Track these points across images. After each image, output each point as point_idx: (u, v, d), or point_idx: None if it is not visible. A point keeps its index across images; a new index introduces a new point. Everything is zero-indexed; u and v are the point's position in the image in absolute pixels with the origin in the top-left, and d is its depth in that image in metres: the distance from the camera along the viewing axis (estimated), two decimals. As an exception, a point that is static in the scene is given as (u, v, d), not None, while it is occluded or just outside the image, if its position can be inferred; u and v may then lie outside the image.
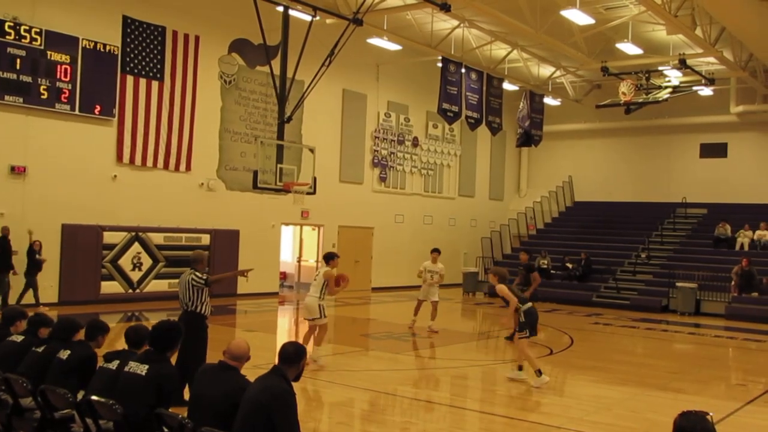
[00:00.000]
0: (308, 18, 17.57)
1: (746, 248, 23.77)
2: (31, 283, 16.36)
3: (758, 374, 13.22)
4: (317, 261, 23.93)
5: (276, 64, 17.54)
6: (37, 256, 16.43)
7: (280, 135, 17.55)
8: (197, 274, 8.70)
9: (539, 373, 10.07)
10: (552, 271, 24.78)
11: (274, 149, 17.65)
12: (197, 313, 8.65)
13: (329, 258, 11.34)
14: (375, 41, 21.66)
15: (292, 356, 5.08)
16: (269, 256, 21.92)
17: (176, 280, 19.66)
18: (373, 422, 8.53)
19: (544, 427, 8.41)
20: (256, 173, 16.80)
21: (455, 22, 21.40)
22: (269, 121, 21.34)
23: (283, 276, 24.19)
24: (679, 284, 21.84)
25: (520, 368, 10.55)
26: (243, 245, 20.64)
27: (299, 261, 24.61)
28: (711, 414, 3.68)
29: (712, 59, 22.70)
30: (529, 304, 10.49)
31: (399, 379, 11.04)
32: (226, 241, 20.49)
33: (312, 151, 18.19)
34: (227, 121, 20.80)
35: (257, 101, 21.57)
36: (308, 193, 17.70)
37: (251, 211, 21.13)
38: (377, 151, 25.55)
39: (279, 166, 17.10)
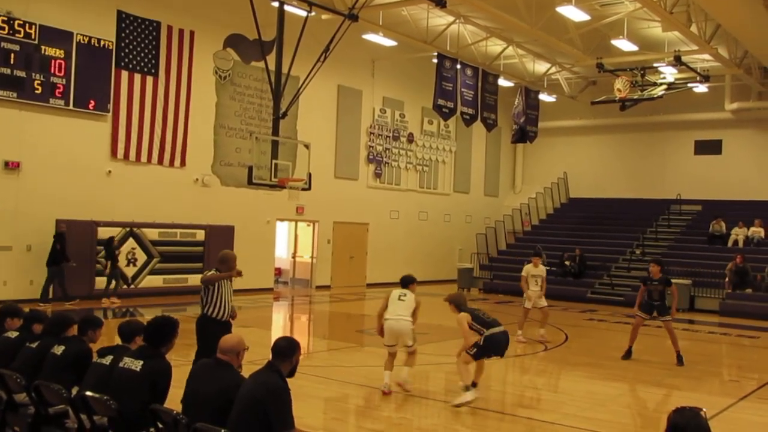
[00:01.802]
0: (303, 13, 17.57)
1: (740, 245, 23.83)
2: (113, 275, 17.67)
3: (752, 370, 13.26)
4: (312, 257, 23.94)
5: (271, 59, 17.53)
6: (116, 252, 17.80)
7: (275, 131, 17.54)
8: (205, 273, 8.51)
9: (467, 388, 8.85)
10: (547, 268, 24.76)
11: (269, 145, 17.63)
12: (207, 315, 8.32)
13: (412, 281, 10.04)
14: (370, 37, 21.66)
15: (285, 351, 5.07)
16: (264, 252, 21.91)
17: (171, 276, 19.71)
18: (368, 418, 8.54)
19: (538, 423, 8.43)
20: (251, 169, 16.79)
21: (451, 18, 21.39)
22: (264, 116, 21.30)
23: (278, 272, 24.18)
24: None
25: (474, 384, 9.10)
26: (238, 241, 20.59)
27: (294, 257, 24.61)
28: (704, 410, 3.69)
29: (707, 56, 22.73)
30: (497, 329, 9.12)
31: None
32: (221, 237, 20.43)
33: (307, 147, 18.17)
34: (222, 116, 20.77)
35: (252, 97, 21.53)
36: (303, 189, 17.71)
37: (246, 207, 21.11)
38: (372, 147, 25.54)
39: (274, 161, 17.09)
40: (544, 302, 15.05)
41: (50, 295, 16.71)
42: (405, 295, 9.72)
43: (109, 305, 17.31)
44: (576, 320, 18.64)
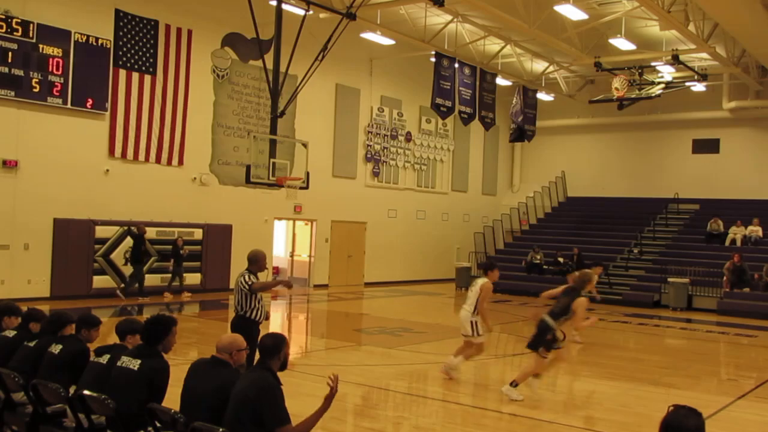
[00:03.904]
0: (301, 12, 17.56)
1: (738, 244, 23.85)
2: (177, 272, 19.16)
3: (749, 369, 13.28)
4: (310, 255, 23.95)
5: (269, 58, 17.53)
6: (181, 251, 19.08)
7: (273, 129, 17.55)
8: (246, 278, 8.51)
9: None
10: (544, 267, 24.83)
11: (267, 144, 17.65)
12: (247, 317, 8.44)
13: (488, 267, 10.20)
14: (368, 36, 21.66)
15: (271, 348, 5.09)
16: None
17: (169, 275, 19.67)
18: (366, 417, 8.54)
19: (536, 422, 8.43)
20: (248, 168, 16.79)
21: (449, 17, 21.38)
22: (262, 115, 21.29)
23: (276, 271, 24.15)
24: (671, 279, 21.91)
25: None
26: (236, 240, 20.61)
27: (292, 256, 24.60)
28: (700, 411, 3.69)
29: (704, 55, 22.75)
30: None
31: (392, 374, 11.06)
32: (219, 236, 20.45)
33: (305, 145, 18.17)
34: (220, 115, 20.75)
35: (250, 95, 21.51)
36: (301, 188, 17.71)
37: (244, 206, 21.09)
38: (370, 145, 25.53)
39: (272, 160, 17.10)
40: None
41: (143, 288, 18.28)
42: (475, 284, 10.11)
43: (171, 300, 18.76)
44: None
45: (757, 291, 21.14)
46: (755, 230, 24.06)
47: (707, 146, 28.64)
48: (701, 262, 22.73)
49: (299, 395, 8.96)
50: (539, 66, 26.67)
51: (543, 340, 9.14)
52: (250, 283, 8.45)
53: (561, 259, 24.51)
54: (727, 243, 24.21)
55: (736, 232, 24.28)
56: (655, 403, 9.40)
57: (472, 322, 10.04)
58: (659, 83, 24.19)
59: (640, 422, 8.63)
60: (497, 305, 21.58)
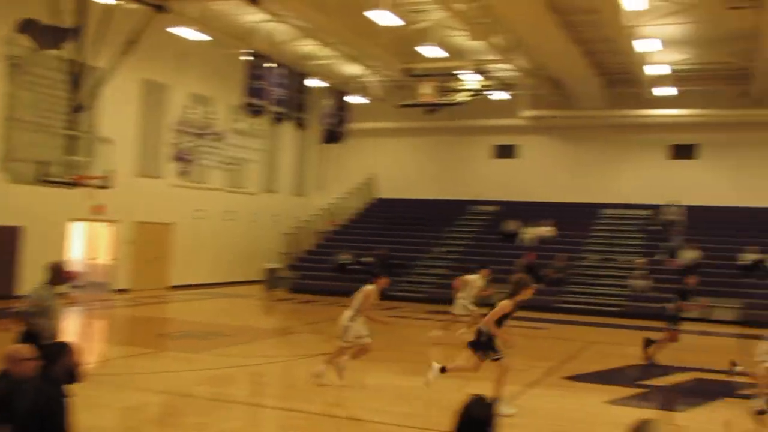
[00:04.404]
0: (108, 1, 16.70)
1: (533, 243, 25.62)
2: None
3: (540, 359, 14.24)
4: (111, 258, 22.78)
5: (70, 48, 16.51)
6: None
7: (73, 125, 16.62)
8: (42, 291, 7.97)
9: None
10: (352, 267, 25.20)
11: (66, 140, 16.63)
12: (35, 329, 7.98)
13: (375, 275, 10.54)
14: (179, 30, 20.94)
15: (51, 356, 4.97)
16: (58, 255, 20.48)
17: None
18: (167, 426, 8.26)
19: (345, 421, 8.56)
20: (44, 165, 15.78)
21: (263, 16, 21.14)
22: (61, 109, 19.90)
23: (74, 276, 22.70)
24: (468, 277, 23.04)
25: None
26: (29, 243, 19.16)
27: (92, 259, 23.28)
28: (497, 399, 3.91)
29: (507, 66, 24.11)
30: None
31: (195, 380, 10.76)
32: (8, 239, 18.92)
33: (108, 142, 17.32)
34: (13, 107, 19.13)
35: (48, 87, 20.03)
36: (103, 188, 16.89)
37: (38, 206, 19.58)
38: (178, 144, 24.69)
39: (71, 158, 16.20)
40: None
41: None
42: (360, 291, 10.36)
43: None
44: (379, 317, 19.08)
45: (549, 287, 22.78)
46: (548, 231, 26.00)
47: (507, 152, 30.50)
48: (499, 261, 24.08)
49: (96, 407, 8.50)
50: (352, 69, 27.05)
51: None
52: (47, 299, 8.04)
53: (367, 259, 24.99)
54: (522, 242, 25.91)
55: (531, 232, 26.09)
56: (455, 393, 9.82)
57: (345, 327, 10.18)
58: (464, 90, 25.40)
59: (441, 414, 8.98)
60: (305, 306, 21.69)
